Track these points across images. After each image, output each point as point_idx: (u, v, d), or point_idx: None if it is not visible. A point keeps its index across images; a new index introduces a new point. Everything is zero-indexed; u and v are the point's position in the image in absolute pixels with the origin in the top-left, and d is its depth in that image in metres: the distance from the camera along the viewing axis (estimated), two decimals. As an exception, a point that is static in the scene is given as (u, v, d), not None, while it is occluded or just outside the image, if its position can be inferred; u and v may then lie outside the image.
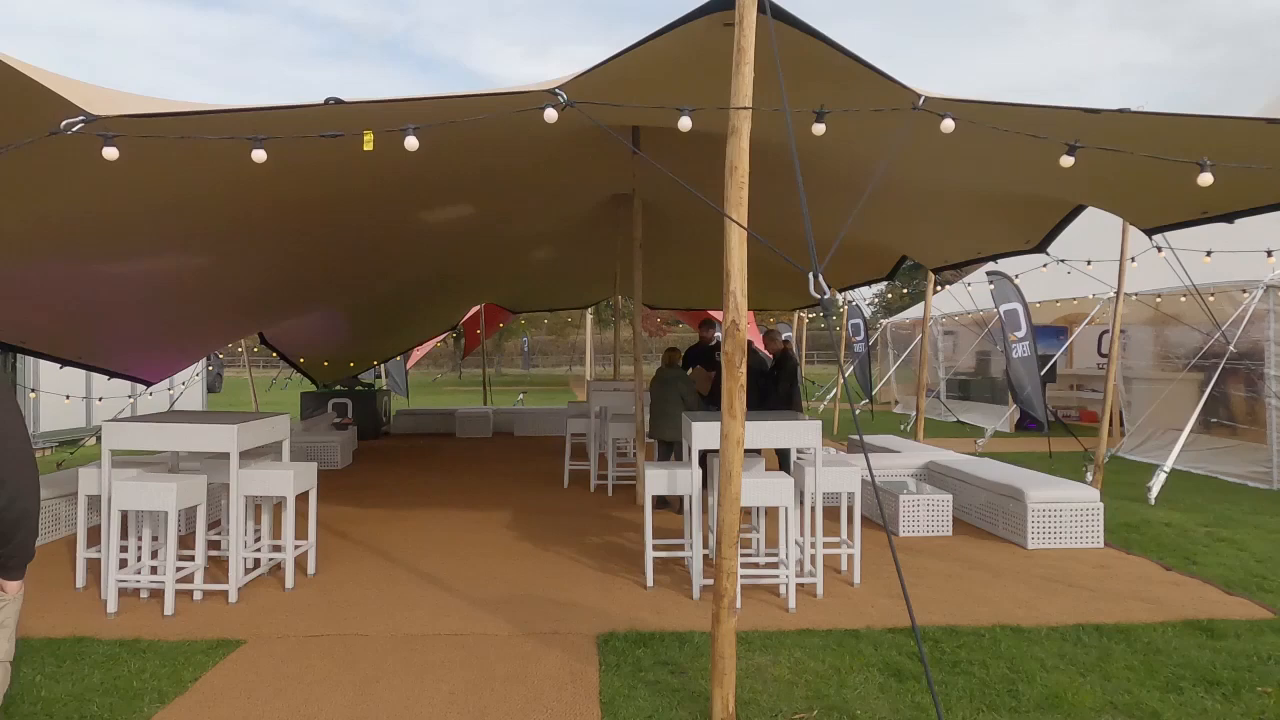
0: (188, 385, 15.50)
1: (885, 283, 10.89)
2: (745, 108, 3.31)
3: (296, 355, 14.93)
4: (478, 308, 18.02)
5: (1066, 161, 4.24)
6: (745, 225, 3.33)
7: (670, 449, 8.04)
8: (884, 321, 22.00)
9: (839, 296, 16.11)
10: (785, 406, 8.34)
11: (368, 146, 3.69)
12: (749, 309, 18.22)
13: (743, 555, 5.71)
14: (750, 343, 10.61)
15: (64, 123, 3.28)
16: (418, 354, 23.26)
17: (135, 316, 8.38)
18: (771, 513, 7.39)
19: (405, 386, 18.84)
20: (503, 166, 7.18)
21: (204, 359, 17.64)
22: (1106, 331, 15.14)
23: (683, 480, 5.28)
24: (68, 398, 12.86)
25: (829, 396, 20.72)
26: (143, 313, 8.33)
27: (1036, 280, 12.72)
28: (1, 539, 2.18)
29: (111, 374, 9.49)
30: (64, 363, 8.45)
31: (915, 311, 21.47)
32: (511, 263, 13.40)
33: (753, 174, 3.61)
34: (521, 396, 20.26)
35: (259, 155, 3.66)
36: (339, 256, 8.95)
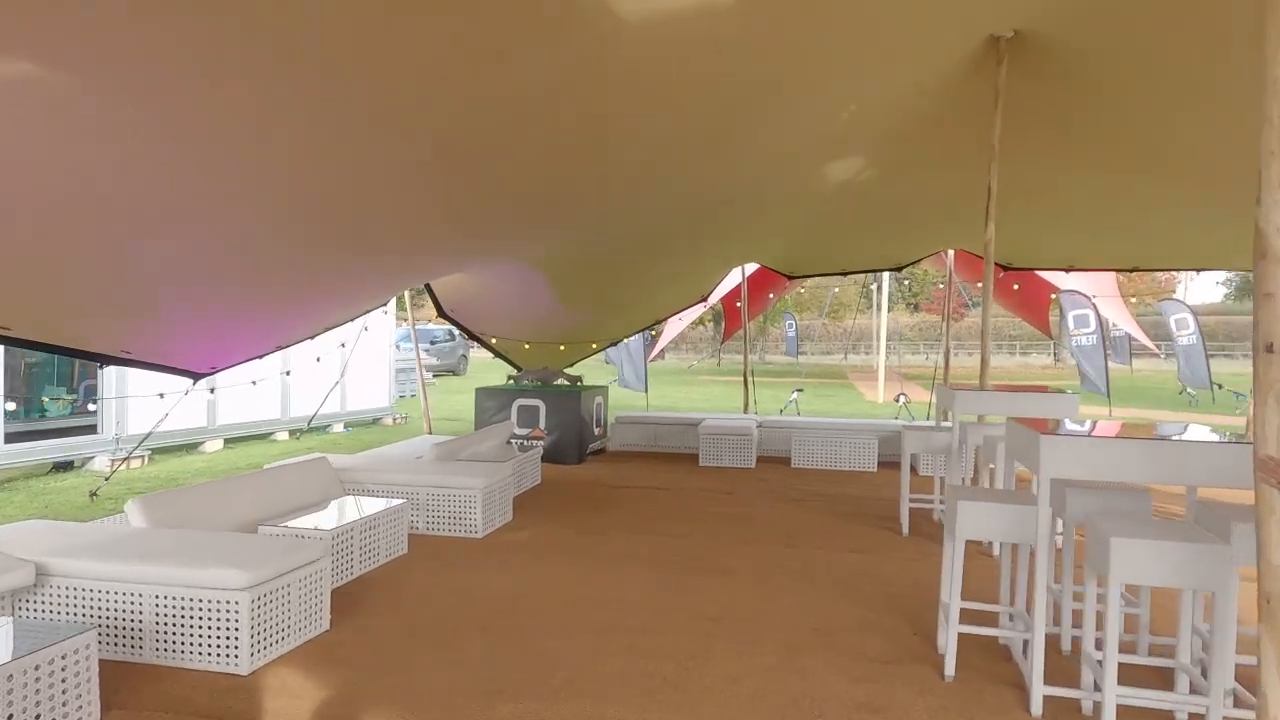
0: (350, 349, 11.79)
1: None
2: None
3: (486, 334, 10.74)
4: (738, 275, 12.83)
5: None
6: None
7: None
8: None
9: None
10: None
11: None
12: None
13: None
14: None
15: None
16: (665, 336, 18.60)
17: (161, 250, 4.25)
18: None
19: (645, 379, 14.18)
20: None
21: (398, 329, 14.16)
22: None
23: None
24: (254, 382, 9.56)
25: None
26: (177, 242, 4.16)
27: None
28: None
29: (107, 361, 5.50)
30: (42, 349, 4.59)
31: None
32: (788, 191, 7.84)
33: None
34: (796, 394, 14.84)
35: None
36: (524, 149, 4.13)
